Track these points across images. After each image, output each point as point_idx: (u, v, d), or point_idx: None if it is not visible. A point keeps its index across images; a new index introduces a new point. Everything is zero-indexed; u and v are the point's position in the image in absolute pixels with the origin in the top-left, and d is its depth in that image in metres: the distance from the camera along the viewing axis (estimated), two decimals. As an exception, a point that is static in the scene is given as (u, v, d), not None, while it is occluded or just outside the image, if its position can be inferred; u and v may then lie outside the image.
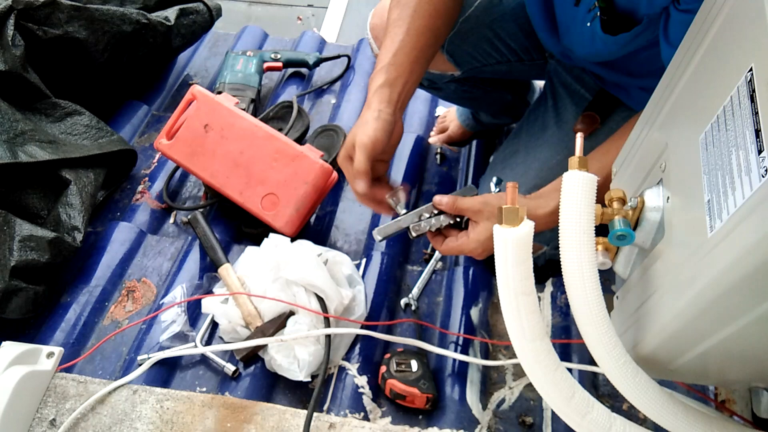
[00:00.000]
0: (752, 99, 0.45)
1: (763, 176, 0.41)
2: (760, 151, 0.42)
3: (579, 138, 0.61)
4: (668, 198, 0.59)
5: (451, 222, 0.90)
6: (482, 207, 0.87)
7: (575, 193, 0.56)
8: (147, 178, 1.34)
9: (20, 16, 1.23)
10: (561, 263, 0.58)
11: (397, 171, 1.34)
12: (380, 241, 0.92)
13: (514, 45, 1.14)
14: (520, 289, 0.56)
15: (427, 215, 0.91)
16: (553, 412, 0.95)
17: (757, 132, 0.43)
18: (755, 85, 0.45)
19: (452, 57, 1.15)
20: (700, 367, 0.59)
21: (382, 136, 0.88)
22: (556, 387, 0.58)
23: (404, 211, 0.92)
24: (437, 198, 0.90)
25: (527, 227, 0.56)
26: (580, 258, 0.56)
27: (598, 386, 1.00)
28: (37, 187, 1.18)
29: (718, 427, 0.60)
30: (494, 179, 1.02)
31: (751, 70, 0.46)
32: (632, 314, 0.63)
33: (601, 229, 0.60)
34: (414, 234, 0.91)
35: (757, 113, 0.44)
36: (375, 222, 1.27)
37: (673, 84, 0.63)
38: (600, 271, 0.58)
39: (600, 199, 0.58)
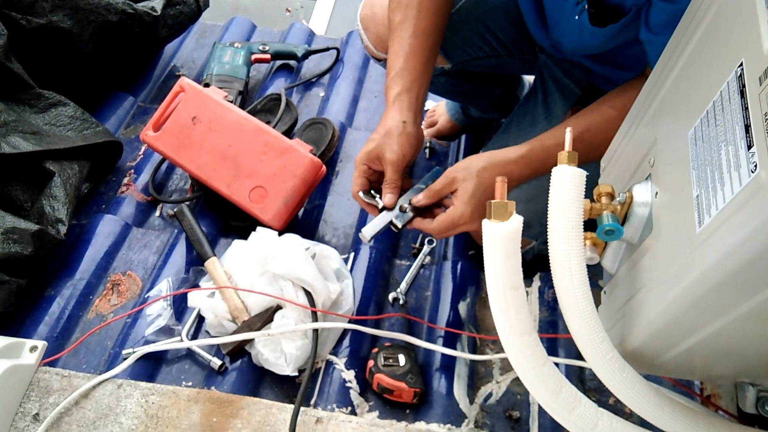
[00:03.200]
0: (742, 94, 0.44)
1: (752, 172, 0.41)
2: (749, 147, 0.42)
3: (568, 133, 0.61)
4: (657, 193, 0.59)
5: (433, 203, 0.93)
6: (454, 174, 0.89)
7: (564, 188, 0.56)
8: (132, 171, 1.33)
9: (3, 4, 1.20)
10: (549, 258, 0.57)
11: (386, 165, 1.33)
12: (369, 241, 0.93)
13: (504, 38, 1.13)
14: (509, 283, 0.56)
15: (408, 206, 0.93)
16: (540, 407, 0.95)
17: (747, 127, 0.43)
18: (745, 80, 0.44)
19: (442, 50, 1.14)
20: (687, 362, 0.59)
21: (409, 152, 0.92)
22: (543, 382, 0.58)
23: (381, 203, 0.94)
24: (415, 200, 0.93)
25: (516, 222, 0.56)
26: (568, 253, 0.56)
27: (584, 380, 1.00)
28: (21, 178, 1.16)
29: (703, 421, 0.60)
30: None
31: (741, 65, 0.45)
32: (619, 309, 0.63)
33: (590, 224, 0.60)
34: (400, 225, 0.92)
35: (746, 108, 0.43)
36: (363, 216, 1.26)
37: (663, 79, 0.63)
38: (588, 267, 0.57)
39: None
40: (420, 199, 0.92)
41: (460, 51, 1.15)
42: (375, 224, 0.93)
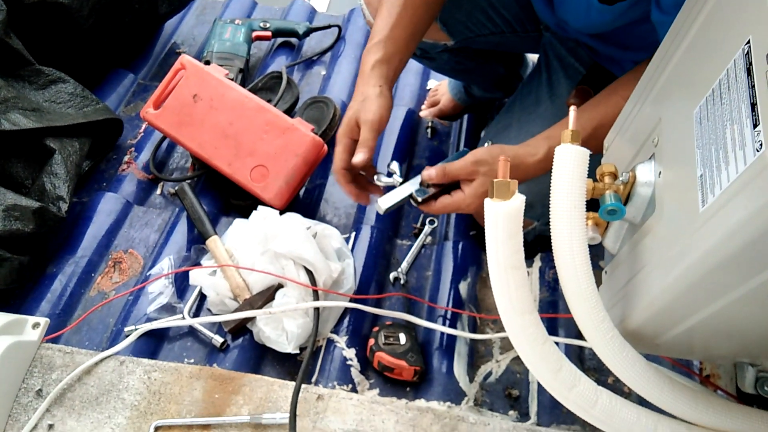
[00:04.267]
0: (749, 72, 0.44)
1: (757, 150, 0.40)
2: (755, 125, 0.42)
3: (572, 111, 0.61)
4: (660, 173, 0.59)
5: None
6: (475, 167, 0.86)
7: (567, 166, 0.56)
8: (133, 149, 1.32)
9: (1, -21, 1.19)
10: (551, 237, 0.57)
11: (388, 144, 1.32)
12: (384, 212, 0.90)
13: (509, 15, 1.12)
14: (510, 263, 0.56)
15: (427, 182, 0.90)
16: (539, 385, 0.96)
17: (753, 106, 0.42)
18: (752, 58, 0.44)
19: (445, 26, 1.13)
20: (687, 342, 0.59)
21: (385, 114, 0.90)
22: (543, 360, 0.58)
23: (401, 180, 0.92)
24: (425, 173, 0.89)
25: (518, 201, 0.55)
26: (570, 232, 0.55)
27: (584, 360, 1.00)
28: (21, 155, 1.15)
29: (702, 400, 0.61)
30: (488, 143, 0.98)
31: (748, 42, 0.45)
32: (620, 289, 0.63)
33: (592, 205, 0.60)
34: (420, 199, 0.89)
35: (753, 86, 0.43)
36: (365, 195, 1.26)
37: (668, 57, 0.62)
38: (589, 247, 0.57)
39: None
40: (432, 175, 0.88)
41: (462, 27, 1.13)
42: (392, 196, 0.89)
